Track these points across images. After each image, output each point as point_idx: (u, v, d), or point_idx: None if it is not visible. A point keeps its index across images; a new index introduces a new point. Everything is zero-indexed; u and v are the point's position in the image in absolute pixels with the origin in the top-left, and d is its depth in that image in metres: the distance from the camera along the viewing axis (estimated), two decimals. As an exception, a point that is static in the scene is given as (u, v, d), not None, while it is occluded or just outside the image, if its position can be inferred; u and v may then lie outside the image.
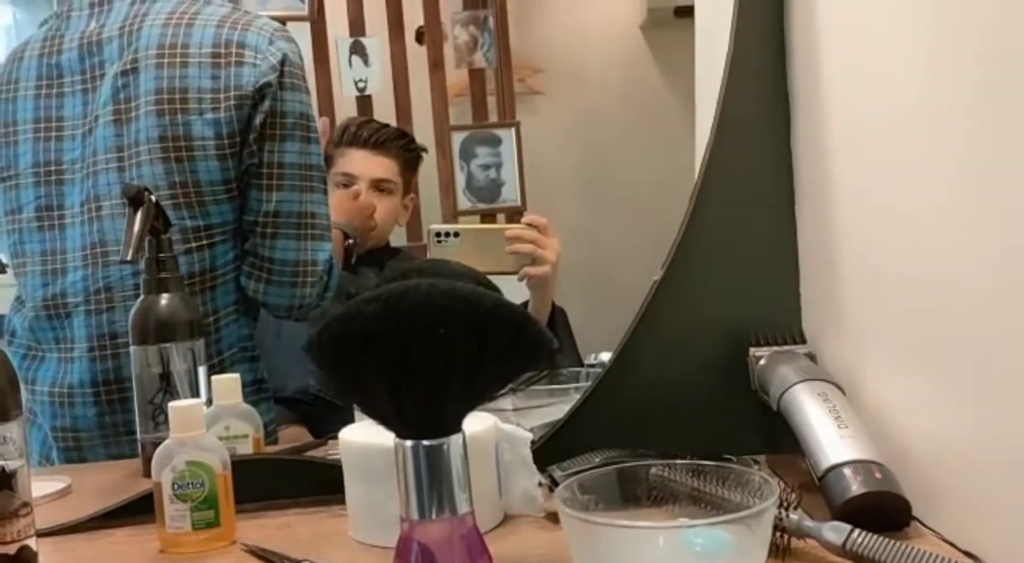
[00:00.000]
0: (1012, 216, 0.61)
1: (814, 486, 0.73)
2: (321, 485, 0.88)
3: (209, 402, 0.97)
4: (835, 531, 0.66)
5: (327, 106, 1.85)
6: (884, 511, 0.70)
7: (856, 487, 0.70)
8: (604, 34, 1.79)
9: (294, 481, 0.91)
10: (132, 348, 1.01)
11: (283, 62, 1.14)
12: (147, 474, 0.82)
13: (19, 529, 0.65)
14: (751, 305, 0.94)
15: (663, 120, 1.60)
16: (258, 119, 1.13)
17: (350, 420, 0.84)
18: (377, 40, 1.92)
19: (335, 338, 0.56)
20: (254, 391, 1.16)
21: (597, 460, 0.84)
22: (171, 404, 0.80)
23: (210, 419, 0.94)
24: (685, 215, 0.94)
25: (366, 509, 0.79)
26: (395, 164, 1.52)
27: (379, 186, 1.49)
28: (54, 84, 1.17)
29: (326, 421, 1.08)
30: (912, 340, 0.76)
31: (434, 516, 0.58)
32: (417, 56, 1.91)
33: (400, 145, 1.53)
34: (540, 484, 0.81)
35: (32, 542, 0.66)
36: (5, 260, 1.21)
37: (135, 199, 0.98)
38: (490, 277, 0.71)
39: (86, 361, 1.13)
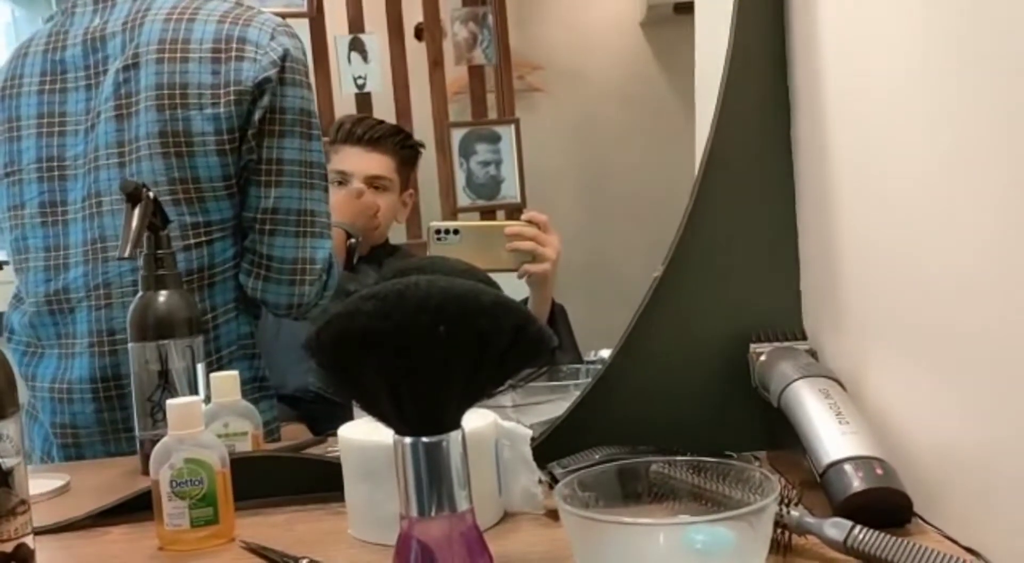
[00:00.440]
0: (1013, 212, 0.60)
1: (815, 483, 0.73)
2: (320, 482, 0.87)
3: (208, 399, 0.97)
4: (836, 528, 0.66)
5: (326, 103, 1.85)
6: (885, 507, 0.69)
7: (857, 483, 0.70)
8: (604, 31, 1.79)
9: (293, 478, 0.91)
10: (130, 345, 1.00)
11: (284, 58, 1.14)
12: (146, 472, 0.82)
13: (16, 527, 0.64)
14: (751, 302, 0.93)
15: (663, 117, 1.60)
16: (257, 115, 1.12)
17: (350, 417, 0.84)
18: (376, 37, 1.92)
19: (335, 336, 0.56)
20: (255, 389, 1.16)
21: (597, 457, 0.84)
22: (169, 401, 0.80)
23: (209, 416, 0.94)
24: (685, 211, 0.94)
25: (366, 507, 0.79)
26: (391, 161, 1.52)
27: (374, 183, 1.49)
28: (58, 80, 1.17)
29: (326, 419, 1.08)
30: (913, 336, 0.76)
31: (434, 513, 0.57)
32: (416, 53, 1.91)
33: (396, 141, 1.53)
34: (540, 481, 0.81)
35: (29, 540, 0.66)
36: (6, 256, 1.21)
37: (133, 195, 0.98)
38: (490, 274, 0.71)
39: (87, 357, 1.13)
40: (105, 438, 1.13)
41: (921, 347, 0.75)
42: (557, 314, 1.36)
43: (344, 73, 1.90)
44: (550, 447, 0.87)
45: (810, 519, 0.68)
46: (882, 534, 0.64)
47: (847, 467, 0.71)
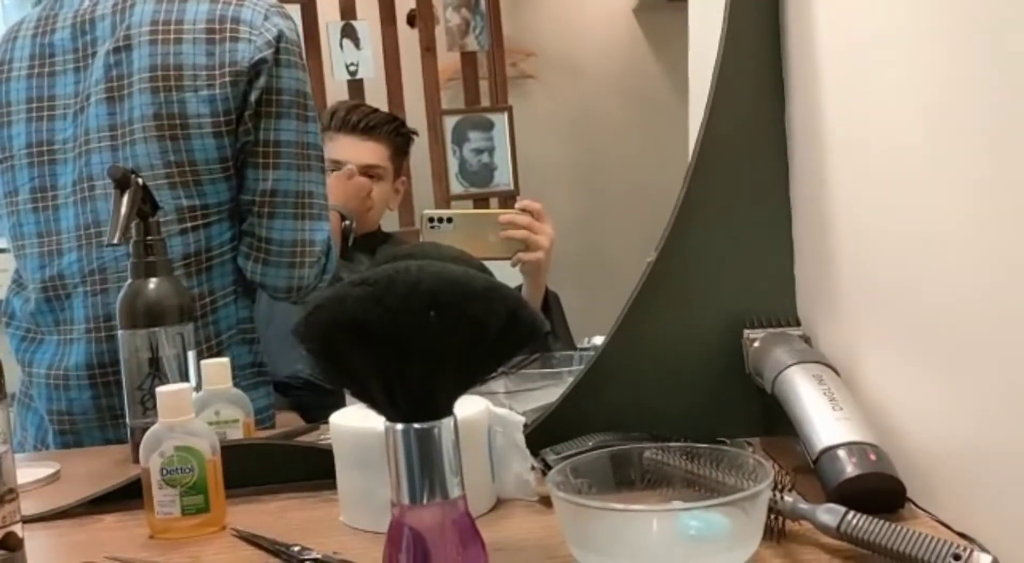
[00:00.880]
0: (1010, 199, 0.60)
1: (809, 468, 0.73)
2: (312, 470, 0.87)
3: (199, 387, 0.96)
4: (830, 513, 0.66)
5: (318, 90, 1.84)
6: (879, 493, 0.69)
7: (851, 469, 0.70)
8: (597, 17, 1.78)
9: (285, 466, 0.90)
10: (120, 333, 1.00)
11: (279, 38, 1.13)
12: (137, 460, 0.82)
13: (3, 515, 0.64)
14: (745, 287, 0.93)
15: (656, 103, 1.60)
16: (254, 96, 1.12)
17: (341, 405, 0.84)
18: (368, 23, 1.90)
19: (324, 322, 0.56)
20: (253, 374, 1.15)
21: (590, 444, 0.84)
22: (159, 389, 0.79)
23: (200, 404, 0.93)
24: (679, 198, 0.93)
25: (357, 494, 0.78)
26: (385, 149, 1.51)
27: (368, 172, 1.48)
28: (46, 63, 1.16)
29: (317, 406, 1.07)
30: (908, 322, 0.75)
31: (426, 501, 0.57)
32: (409, 39, 1.90)
33: (390, 130, 1.52)
34: (533, 468, 0.81)
35: (18, 528, 0.66)
36: (5, 243, 1.20)
37: (121, 181, 0.97)
38: (484, 263, 0.70)
39: (83, 343, 1.12)
40: (102, 425, 1.12)
41: (916, 333, 0.74)
42: (551, 301, 1.35)
43: (336, 59, 1.89)
44: (543, 434, 0.87)
45: (804, 505, 0.67)
46: (875, 519, 0.64)
47: (841, 453, 0.71)
